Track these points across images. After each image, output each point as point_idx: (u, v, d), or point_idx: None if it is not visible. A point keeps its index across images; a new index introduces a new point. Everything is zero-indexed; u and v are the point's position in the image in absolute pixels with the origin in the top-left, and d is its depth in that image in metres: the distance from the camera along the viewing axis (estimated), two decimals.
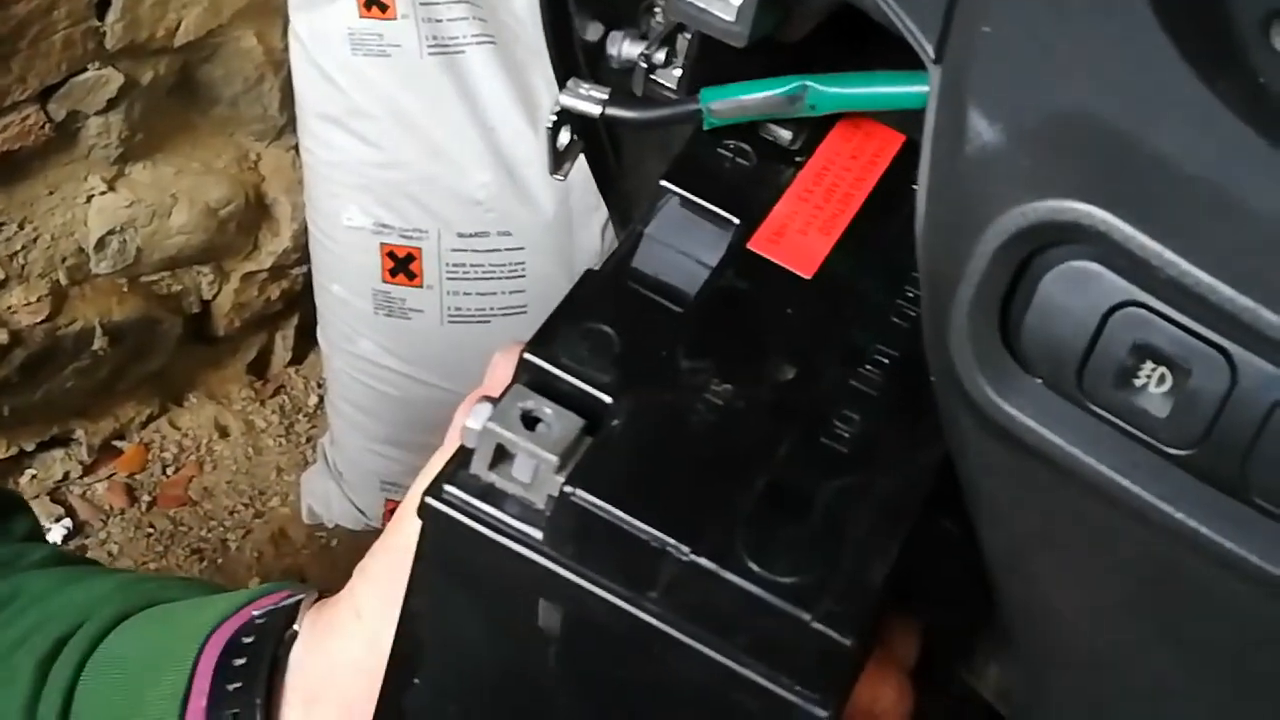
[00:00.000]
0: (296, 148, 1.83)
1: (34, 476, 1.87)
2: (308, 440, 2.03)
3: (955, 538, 0.49)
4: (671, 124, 0.60)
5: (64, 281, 1.78)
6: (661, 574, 0.39)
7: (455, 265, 1.77)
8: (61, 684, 0.69)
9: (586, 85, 0.59)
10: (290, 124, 1.84)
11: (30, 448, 1.86)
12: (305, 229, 1.89)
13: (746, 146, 0.51)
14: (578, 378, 0.42)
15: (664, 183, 0.49)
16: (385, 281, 1.79)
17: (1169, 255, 0.39)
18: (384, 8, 1.68)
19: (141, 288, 1.86)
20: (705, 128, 0.57)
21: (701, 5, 0.52)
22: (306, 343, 2.06)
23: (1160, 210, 0.40)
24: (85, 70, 1.66)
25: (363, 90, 1.70)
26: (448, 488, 0.41)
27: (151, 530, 1.87)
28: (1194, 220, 0.40)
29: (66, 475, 1.89)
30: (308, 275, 1.94)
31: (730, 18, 0.52)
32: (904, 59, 0.51)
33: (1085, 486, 0.42)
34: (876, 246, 0.49)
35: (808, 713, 0.39)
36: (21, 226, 1.72)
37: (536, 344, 0.43)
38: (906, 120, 0.64)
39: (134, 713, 0.67)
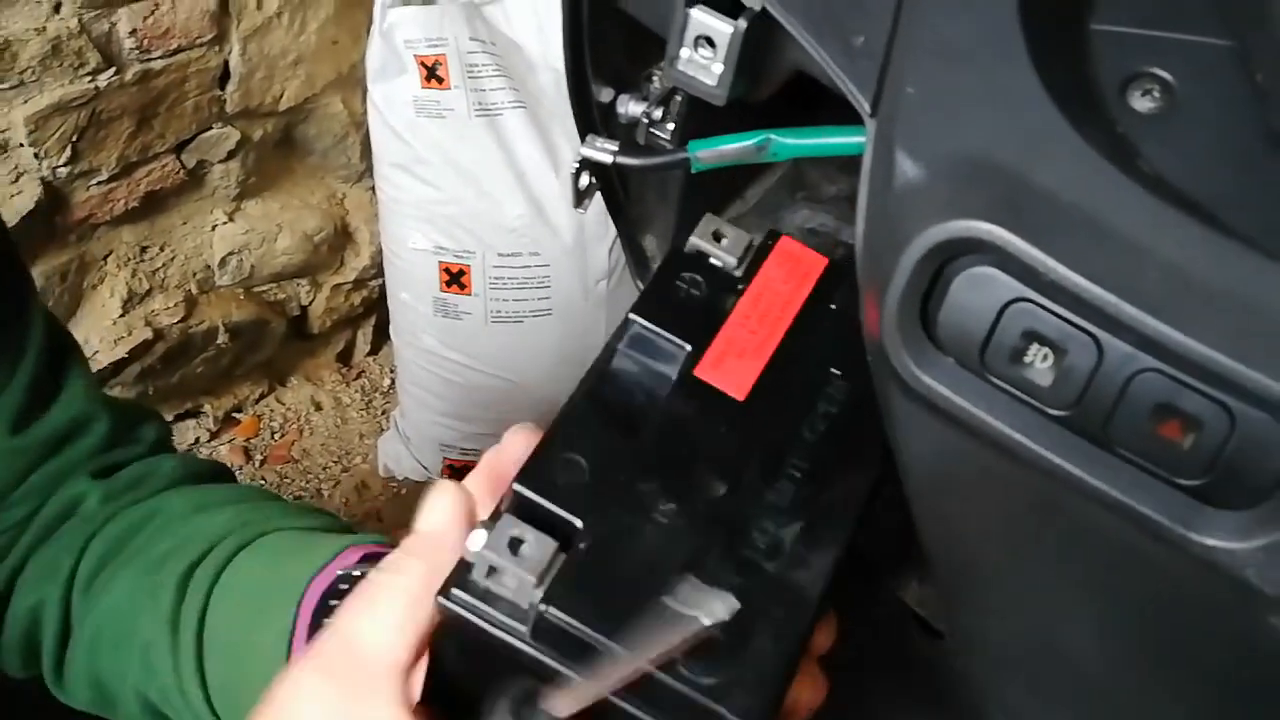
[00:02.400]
0: (373, 189, 1.82)
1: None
2: (383, 413, 2.02)
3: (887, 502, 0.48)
4: (666, 169, 0.60)
5: (195, 291, 1.77)
6: (613, 669, 0.38)
7: (496, 278, 1.76)
8: (197, 604, 0.68)
9: (601, 140, 0.58)
10: (368, 170, 1.83)
11: (169, 419, 1.85)
12: (380, 250, 1.88)
13: (699, 278, 0.48)
14: (555, 504, 0.40)
15: (631, 315, 0.46)
16: (442, 291, 1.78)
17: (1050, 262, 0.39)
18: (440, 80, 1.67)
19: (254, 296, 1.85)
20: (693, 170, 0.57)
21: (690, 74, 0.52)
22: (381, 338, 2.05)
23: (1043, 228, 0.40)
24: (210, 128, 1.65)
25: (425, 144, 1.69)
26: (454, 591, 0.40)
27: (263, 482, 1.86)
28: (1069, 235, 0.40)
29: (197, 440, 1.88)
30: (382, 286, 1.93)
31: (713, 83, 0.52)
32: (845, 115, 0.50)
33: (988, 442, 0.42)
34: (797, 366, 0.46)
35: None
36: (162, 249, 1.70)
37: (524, 475, 0.41)
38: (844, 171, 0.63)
39: (252, 644, 0.66)
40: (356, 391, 2.04)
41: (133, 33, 1.50)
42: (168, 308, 1.73)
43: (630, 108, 0.61)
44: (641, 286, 0.69)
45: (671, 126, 0.60)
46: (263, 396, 1.96)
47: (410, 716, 0.41)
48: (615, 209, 0.65)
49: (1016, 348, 0.41)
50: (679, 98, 0.60)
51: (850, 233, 0.72)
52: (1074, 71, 0.44)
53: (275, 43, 1.66)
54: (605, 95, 0.62)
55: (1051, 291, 0.40)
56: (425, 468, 1.91)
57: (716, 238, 0.48)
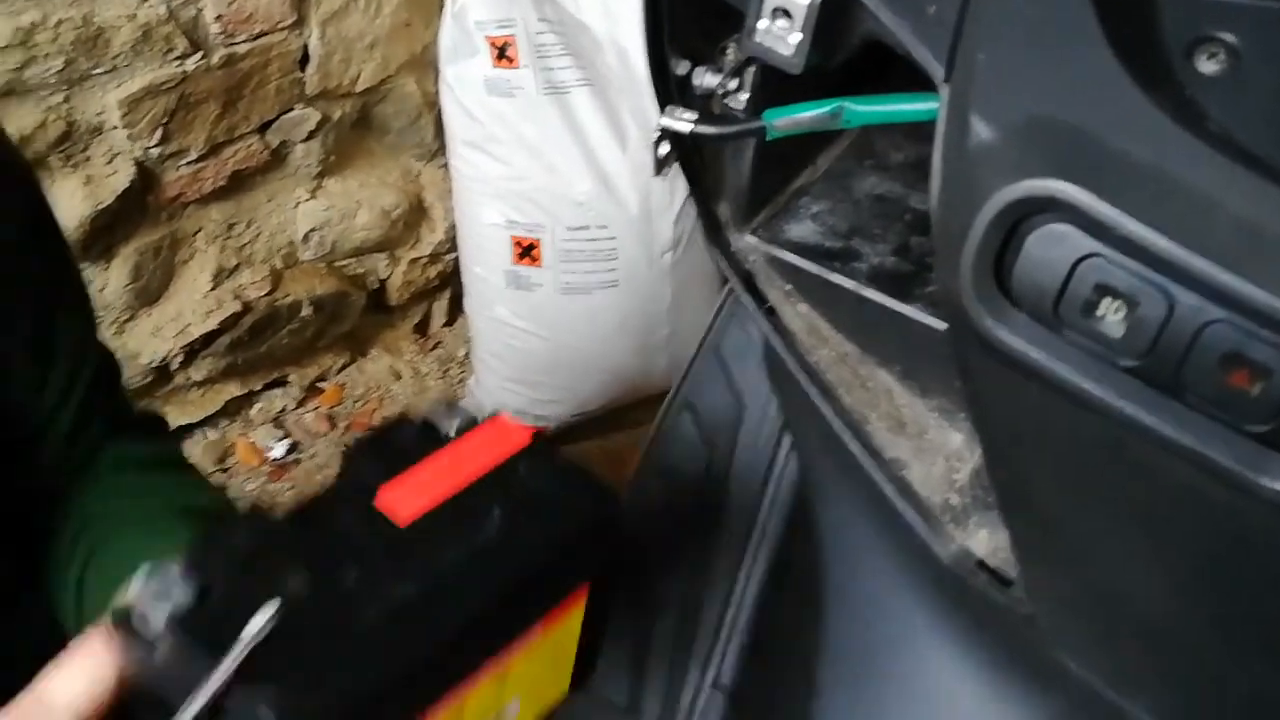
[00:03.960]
0: (447, 166, 1.84)
1: (261, 409, 1.89)
2: (459, 381, 2.04)
3: None
4: (742, 138, 0.61)
5: (280, 266, 1.80)
6: (204, 691, 0.43)
7: (565, 251, 1.77)
8: (82, 557, 0.72)
9: (680, 110, 0.59)
10: (442, 149, 1.84)
11: (258, 388, 1.88)
12: (453, 226, 1.90)
13: (414, 430, 0.53)
14: (205, 566, 0.46)
15: (349, 447, 0.52)
16: (514, 264, 1.80)
17: (1122, 218, 0.40)
18: (510, 60, 1.68)
19: (336, 270, 1.88)
20: (768, 138, 0.58)
21: (768, 44, 0.53)
22: (456, 310, 2.07)
23: (1115, 185, 0.40)
24: (292, 109, 1.68)
25: (496, 122, 1.71)
26: (117, 624, 0.46)
27: (346, 447, 1.88)
28: (1140, 192, 0.40)
29: (284, 408, 1.91)
30: (457, 260, 1.94)
31: (789, 53, 0.53)
32: (914, 83, 0.51)
33: (1061, 394, 0.42)
34: (462, 508, 0.50)
35: None
36: (248, 226, 1.73)
37: (195, 543, 0.47)
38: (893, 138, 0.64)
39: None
40: (434, 361, 2.06)
41: (218, 18, 1.52)
42: (255, 282, 1.75)
43: (706, 79, 0.62)
44: (717, 252, 0.70)
45: (745, 97, 0.61)
46: (345, 366, 1.98)
47: None
48: (691, 177, 0.66)
49: (1089, 301, 0.41)
50: (753, 69, 0.60)
51: (918, 198, 0.72)
52: (1141, 36, 0.44)
53: (352, 26, 1.68)
54: (681, 68, 0.62)
55: (1123, 246, 0.40)
56: None
57: (448, 409, 0.54)
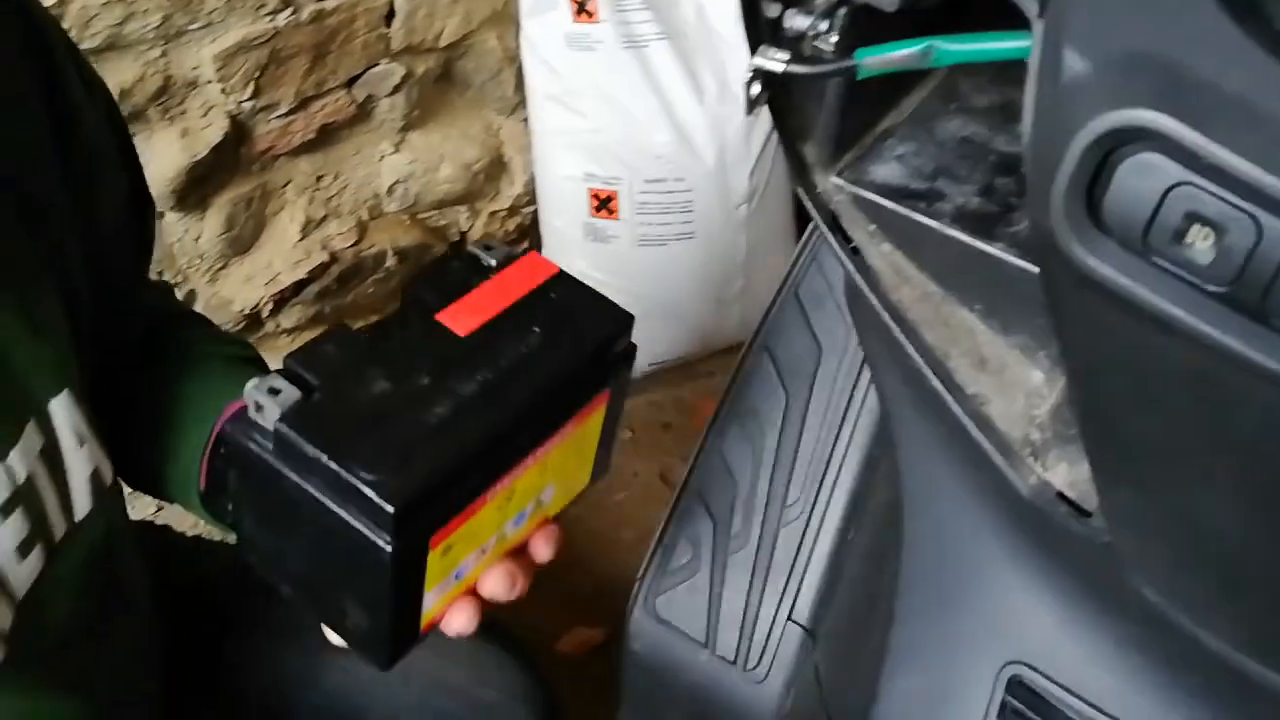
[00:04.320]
0: (526, 120, 1.86)
1: None
2: None
3: None
4: (832, 76, 0.61)
5: (365, 217, 1.83)
6: (317, 470, 0.54)
7: (642, 203, 1.79)
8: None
9: (772, 50, 0.60)
10: (522, 102, 1.86)
11: None
12: (532, 179, 1.92)
13: (462, 265, 0.63)
14: (305, 369, 0.56)
15: (411, 281, 0.62)
16: (592, 216, 1.81)
17: (1213, 147, 0.40)
18: (590, 14, 1.69)
19: (419, 222, 1.90)
20: (859, 77, 0.59)
21: None
22: None
23: (1206, 115, 0.41)
24: (378, 64, 1.70)
25: (575, 76, 1.72)
26: (233, 422, 0.56)
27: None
28: (1230, 122, 0.41)
29: None
30: (535, 213, 1.97)
31: None
32: (1000, 23, 0.51)
33: (1149, 320, 0.43)
34: (509, 323, 0.60)
35: (372, 540, 0.54)
36: (335, 178, 1.76)
37: (296, 352, 0.57)
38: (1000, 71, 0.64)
39: (182, 442, 0.78)
40: None
41: None
42: (341, 233, 1.79)
43: (796, 21, 0.63)
44: (803, 193, 0.71)
45: (835, 39, 0.62)
46: None
47: None
48: (779, 119, 0.67)
49: (1178, 229, 0.42)
50: (843, 10, 0.61)
51: (1003, 141, 0.73)
52: None
53: None
54: (772, 10, 0.63)
55: (1213, 175, 0.41)
56: None
57: (487, 249, 0.64)
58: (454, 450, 0.54)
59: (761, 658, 1.01)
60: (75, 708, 0.71)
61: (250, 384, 0.55)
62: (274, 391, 0.55)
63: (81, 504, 0.67)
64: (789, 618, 1.00)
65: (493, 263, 0.63)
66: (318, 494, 0.54)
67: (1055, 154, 0.43)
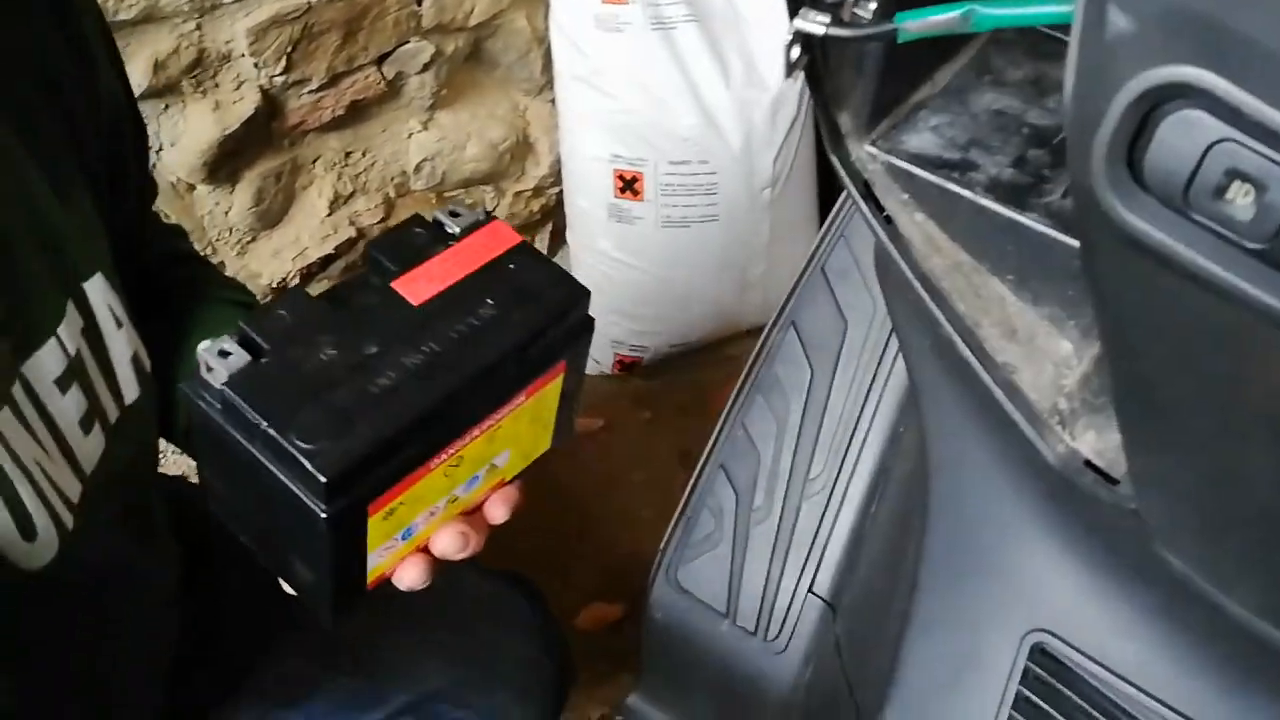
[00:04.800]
0: (553, 101, 1.86)
1: None
2: None
3: None
4: (873, 40, 0.62)
5: (392, 194, 1.83)
6: (258, 435, 0.54)
7: (667, 185, 1.79)
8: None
9: (814, 13, 0.60)
10: (549, 83, 1.86)
11: None
12: (558, 160, 1.92)
13: (425, 233, 0.62)
14: (256, 334, 0.56)
15: (370, 244, 0.61)
16: (616, 197, 1.82)
17: (1255, 103, 0.40)
18: None
19: (445, 200, 1.91)
20: (899, 40, 0.59)
21: None
22: (558, 242, 2.09)
23: (1248, 73, 0.41)
24: (408, 42, 1.70)
25: (603, 57, 1.72)
26: (188, 381, 0.57)
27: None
28: (1271, 78, 0.41)
29: None
30: (559, 194, 1.97)
31: None
32: None
33: (1188, 276, 0.43)
34: (463, 294, 0.60)
35: (309, 505, 0.55)
36: (364, 155, 1.77)
37: (249, 316, 0.57)
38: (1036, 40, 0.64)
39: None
40: None
41: None
42: (369, 209, 1.79)
43: None
44: (837, 161, 0.71)
45: (874, 4, 0.62)
46: None
47: None
48: (815, 84, 0.67)
49: (1219, 185, 0.42)
50: None
51: (1036, 114, 0.73)
52: None
53: None
54: None
55: (1255, 131, 0.41)
56: (597, 361, 1.96)
57: (453, 215, 0.63)
58: (393, 421, 0.55)
59: (782, 629, 1.01)
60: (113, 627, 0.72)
61: (202, 345, 0.56)
62: (224, 354, 0.56)
63: (129, 387, 0.68)
64: (810, 590, 1.01)
65: (455, 230, 0.63)
66: (260, 457, 0.55)
67: (1097, 111, 0.43)
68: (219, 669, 0.91)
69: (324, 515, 0.54)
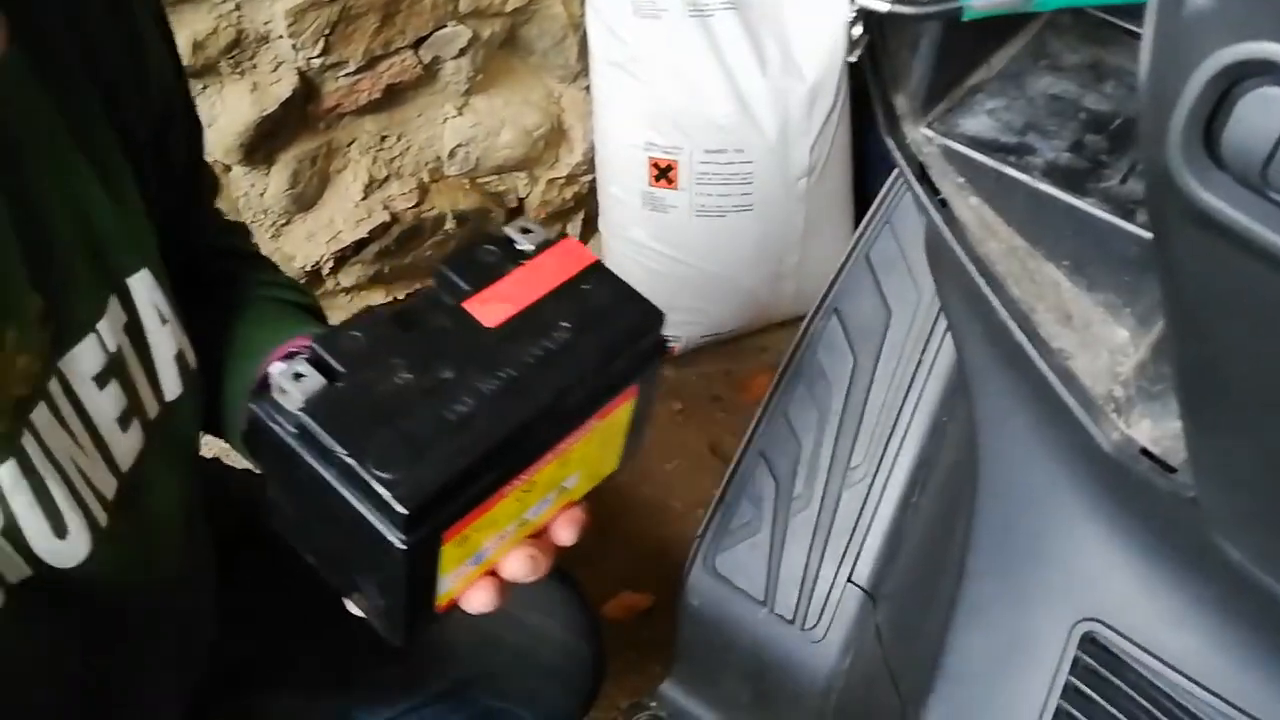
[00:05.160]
0: (588, 88, 1.86)
1: None
2: None
3: None
4: (936, 18, 0.61)
5: (426, 179, 1.83)
6: (334, 461, 0.53)
7: (702, 174, 1.79)
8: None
9: None
10: (584, 71, 1.86)
11: (401, 296, 1.92)
12: (591, 148, 1.92)
13: (498, 250, 0.60)
14: (331, 356, 0.55)
15: (439, 263, 0.59)
16: (651, 185, 1.81)
17: None
18: None
19: (478, 186, 1.91)
20: (964, 18, 0.58)
21: None
22: (589, 230, 2.09)
23: None
24: (445, 26, 1.70)
25: (640, 43, 1.72)
26: (258, 401, 0.56)
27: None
28: None
29: None
30: (592, 182, 1.97)
31: None
32: None
33: (1264, 256, 0.43)
34: (538, 316, 0.58)
35: (385, 535, 0.53)
36: (399, 139, 1.77)
37: (321, 337, 0.56)
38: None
39: (234, 379, 0.78)
40: None
41: None
42: (403, 193, 1.79)
43: None
44: (892, 144, 0.71)
45: None
46: None
47: None
48: (874, 66, 0.67)
49: None
50: None
51: (1093, 99, 0.72)
52: None
53: None
54: None
55: None
56: None
57: (524, 231, 0.61)
58: (470, 450, 0.54)
59: (820, 617, 1.01)
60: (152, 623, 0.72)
61: (276, 367, 0.56)
62: (298, 377, 0.55)
63: (170, 385, 0.68)
64: (849, 579, 1.01)
65: (529, 247, 0.61)
66: (335, 484, 0.54)
67: (1174, 88, 0.43)
68: (259, 656, 0.91)
69: (402, 547, 0.53)
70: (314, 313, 0.86)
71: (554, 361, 0.57)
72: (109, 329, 0.64)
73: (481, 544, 0.59)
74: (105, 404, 0.63)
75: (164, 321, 0.68)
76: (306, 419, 0.53)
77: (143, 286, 0.66)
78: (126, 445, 0.65)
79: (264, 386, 0.57)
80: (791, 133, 1.76)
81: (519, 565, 0.63)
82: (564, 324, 0.58)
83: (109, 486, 0.64)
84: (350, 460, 0.52)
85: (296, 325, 0.79)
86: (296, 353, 0.61)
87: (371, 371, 0.55)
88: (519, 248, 0.61)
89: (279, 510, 0.61)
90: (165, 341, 0.68)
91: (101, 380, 0.63)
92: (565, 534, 0.65)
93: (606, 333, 0.59)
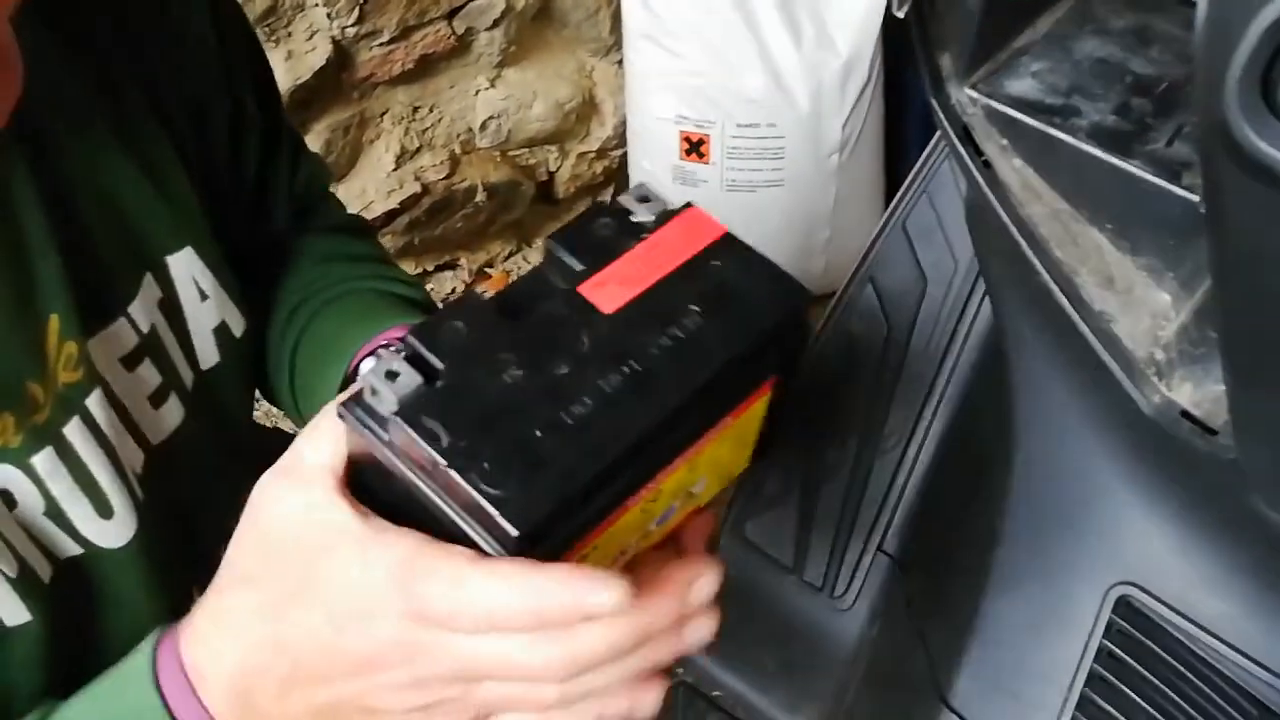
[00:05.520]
0: (619, 63, 1.85)
1: (432, 289, 1.94)
2: None
3: None
4: None
5: (458, 151, 1.84)
6: (435, 474, 0.47)
7: (734, 148, 1.78)
8: (295, 333, 0.79)
9: None
10: (616, 44, 1.86)
11: (430, 268, 1.93)
12: (622, 123, 1.92)
13: (614, 224, 0.53)
14: (429, 351, 0.48)
15: (549, 238, 0.52)
16: (682, 159, 1.81)
17: None
18: None
19: (509, 159, 1.91)
20: None
21: None
22: None
23: None
24: None
25: (673, 16, 1.71)
26: (347, 401, 0.49)
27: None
28: None
29: (453, 290, 1.96)
30: (623, 157, 1.97)
31: None
32: None
33: None
34: (663, 298, 0.50)
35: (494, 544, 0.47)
36: (431, 110, 1.77)
37: (417, 328, 0.49)
38: None
39: (314, 388, 0.76)
40: None
41: None
42: (435, 165, 1.80)
43: None
44: (936, 105, 0.71)
45: None
46: (511, 254, 2.02)
47: (339, 497, 0.50)
48: (920, 25, 0.67)
49: None
50: None
51: (1139, 62, 0.72)
52: None
53: None
54: None
55: None
56: None
57: (642, 200, 0.53)
58: (592, 459, 0.47)
59: (849, 586, 1.01)
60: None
61: (367, 366, 0.52)
62: (391, 375, 0.48)
63: (207, 354, 0.69)
64: (879, 548, 1.01)
65: (648, 219, 0.54)
66: (437, 499, 0.48)
67: (1232, 37, 0.43)
68: None
69: None
70: (419, 305, 0.83)
71: (684, 352, 0.50)
72: (141, 309, 0.64)
73: (601, 564, 0.52)
74: (134, 384, 0.64)
75: (204, 297, 0.68)
76: (402, 425, 0.47)
77: (184, 264, 0.67)
78: (158, 421, 0.66)
79: (355, 401, 0.50)
80: (825, 108, 1.75)
81: None
82: (693, 308, 0.50)
83: (138, 460, 0.65)
84: (453, 473, 0.46)
85: (394, 318, 0.77)
86: (389, 345, 0.56)
87: (476, 368, 0.49)
88: (636, 220, 0.53)
89: (372, 508, 0.54)
90: (206, 315, 0.68)
91: (131, 361, 0.64)
92: (695, 547, 0.57)
93: (743, 316, 0.51)
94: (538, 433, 0.47)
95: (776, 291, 0.52)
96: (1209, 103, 0.45)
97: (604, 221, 0.53)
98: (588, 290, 0.51)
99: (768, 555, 1.05)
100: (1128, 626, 0.69)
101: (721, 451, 0.55)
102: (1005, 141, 0.69)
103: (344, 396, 0.50)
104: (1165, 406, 0.64)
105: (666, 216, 0.53)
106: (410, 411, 0.47)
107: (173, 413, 0.67)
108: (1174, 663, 0.67)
